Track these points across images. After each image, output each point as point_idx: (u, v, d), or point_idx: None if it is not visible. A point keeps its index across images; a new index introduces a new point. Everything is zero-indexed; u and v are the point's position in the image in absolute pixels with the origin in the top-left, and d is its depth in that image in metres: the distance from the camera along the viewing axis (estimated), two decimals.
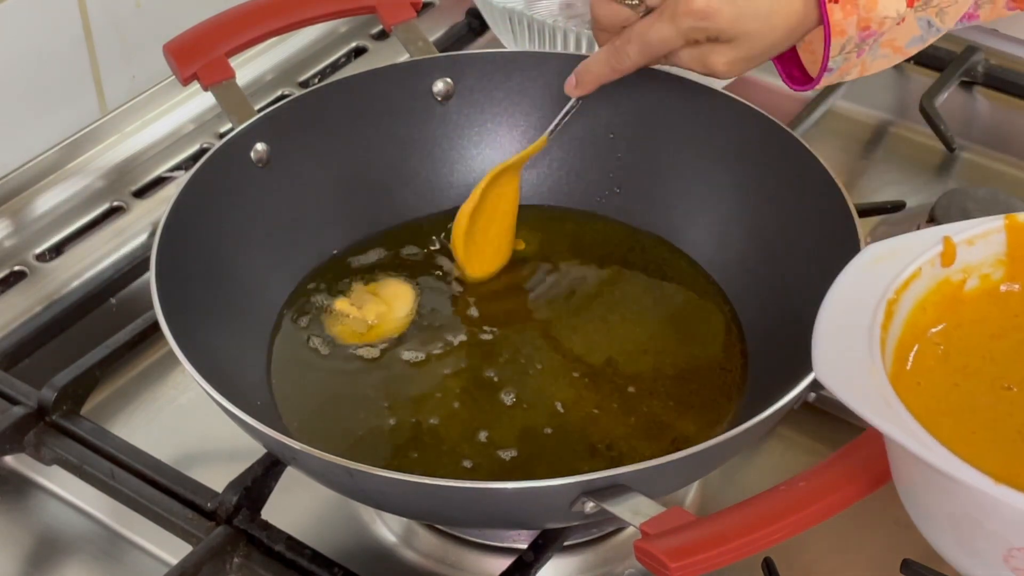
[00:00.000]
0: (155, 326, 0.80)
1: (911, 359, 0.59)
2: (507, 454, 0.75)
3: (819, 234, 0.78)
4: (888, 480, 0.59)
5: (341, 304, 0.84)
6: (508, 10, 0.99)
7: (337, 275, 0.86)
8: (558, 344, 0.82)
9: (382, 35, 1.16)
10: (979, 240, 0.61)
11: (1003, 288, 0.62)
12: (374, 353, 0.81)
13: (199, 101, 1.06)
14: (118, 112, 1.04)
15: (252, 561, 0.73)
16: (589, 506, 0.63)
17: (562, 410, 0.77)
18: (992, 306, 0.61)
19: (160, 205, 0.99)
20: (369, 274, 0.86)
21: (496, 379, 0.79)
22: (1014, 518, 0.49)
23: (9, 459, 0.82)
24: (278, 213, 0.85)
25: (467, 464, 0.74)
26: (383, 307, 0.84)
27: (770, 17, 0.74)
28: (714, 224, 0.87)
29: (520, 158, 0.85)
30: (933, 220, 0.88)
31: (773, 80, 1.14)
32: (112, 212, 0.99)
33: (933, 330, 0.60)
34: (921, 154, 1.06)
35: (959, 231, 0.61)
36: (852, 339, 0.55)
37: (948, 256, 0.61)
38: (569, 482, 0.62)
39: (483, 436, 0.76)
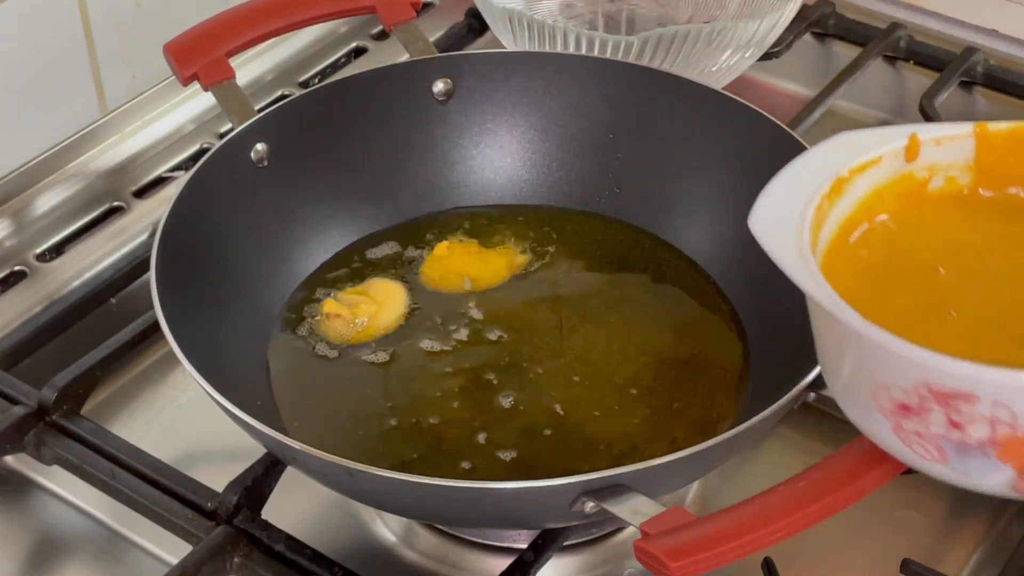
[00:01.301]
0: (155, 326, 0.80)
1: (858, 233, 0.60)
2: (507, 455, 0.75)
3: None
4: (889, 479, 0.58)
5: (330, 305, 0.84)
6: (508, 10, 0.99)
7: (337, 275, 0.86)
8: (557, 344, 0.82)
9: (382, 35, 1.16)
10: (947, 142, 0.62)
11: (966, 192, 0.62)
12: (375, 354, 0.81)
13: (199, 101, 1.06)
14: (118, 112, 1.04)
15: (252, 561, 0.73)
16: (589, 506, 0.63)
17: (561, 412, 0.77)
18: (953, 207, 0.62)
19: (160, 205, 0.99)
20: (368, 273, 0.87)
21: (496, 380, 0.79)
22: (879, 356, 0.51)
23: (9, 459, 0.82)
24: (278, 213, 0.85)
25: (466, 465, 0.74)
26: (374, 307, 0.84)
27: None
28: (714, 224, 0.87)
29: None
30: None
31: (773, 80, 1.14)
32: (112, 212, 0.99)
33: (886, 216, 0.61)
34: None
35: (928, 130, 0.62)
36: (794, 201, 0.58)
37: (912, 151, 0.61)
38: (569, 482, 0.62)
39: (482, 438, 0.76)
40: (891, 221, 0.61)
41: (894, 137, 0.62)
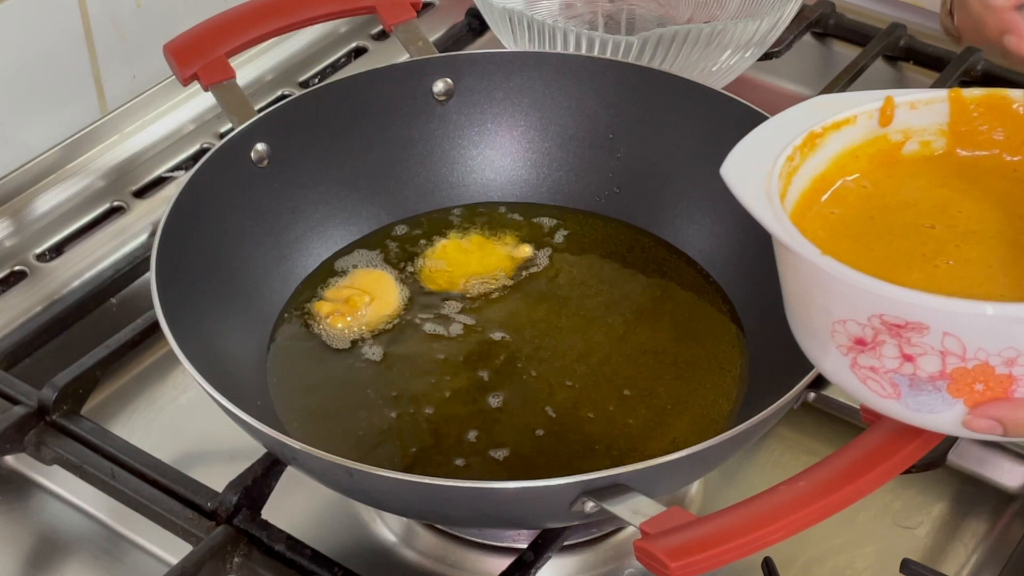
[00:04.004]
0: (155, 326, 0.80)
1: (833, 190, 0.61)
2: (499, 453, 0.75)
3: None
4: (889, 479, 0.59)
5: (322, 307, 0.84)
6: (508, 10, 0.99)
7: (336, 275, 0.86)
8: (557, 344, 0.82)
9: (382, 35, 1.16)
10: (922, 106, 0.63)
11: (940, 154, 0.63)
12: (373, 353, 0.81)
13: (199, 101, 1.06)
14: (118, 112, 1.04)
15: (252, 561, 0.73)
16: (589, 506, 0.63)
17: (560, 412, 0.77)
18: (927, 166, 0.63)
19: (160, 205, 0.99)
20: (366, 273, 0.87)
21: (495, 379, 0.79)
22: (835, 289, 0.52)
23: (9, 459, 0.82)
24: (278, 213, 0.85)
25: (459, 462, 0.74)
26: (366, 296, 0.84)
27: None
28: (714, 224, 0.87)
29: None
30: None
31: (773, 80, 1.14)
32: (112, 212, 0.99)
33: (859, 175, 0.62)
34: None
35: (903, 94, 0.63)
36: (767, 153, 0.59)
37: (886, 114, 0.62)
38: (569, 482, 0.62)
39: (475, 436, 0.76)
40: (865, 180, 0.62)
41: (870, 99, 0.63)
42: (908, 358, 0.52)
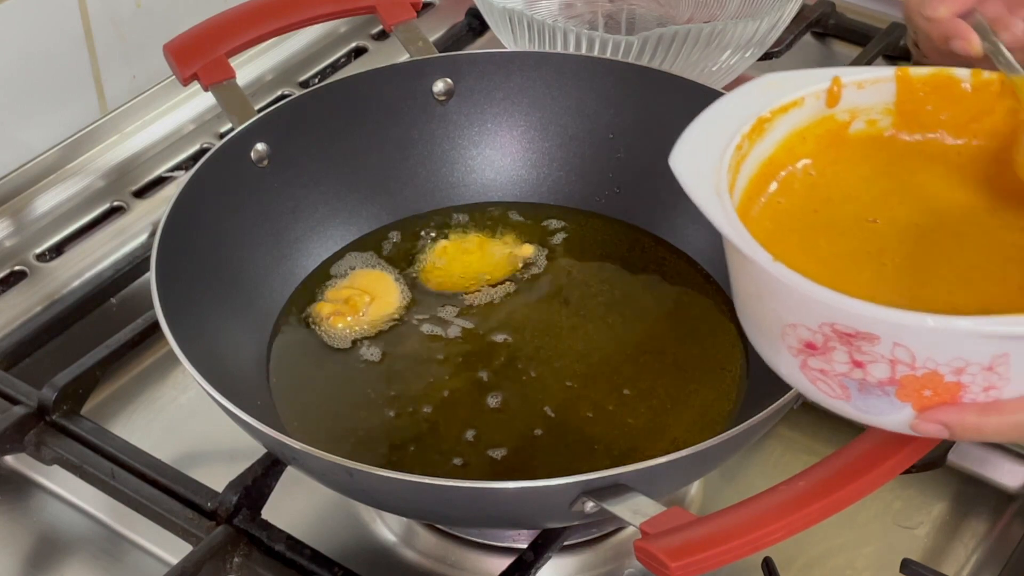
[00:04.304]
0: (155, 326, 0.80)
1: (779, 178, 0.61)
2: (496, 453, 0.75)
3: None
4: (889, 479, 0.59)
5: (323, 307, 0.84)
6: (508, 10, 0.99)
7: (336, 275, 0.86)
8: (557, 344, 0.82)
9: (382, 35, 1.16)
10: (869, 85, 0.62)
11: (887, 135, 0.63)
12: (373, 353, 0.81)
13: (199, 101, 1.06)
14: (118, 112, 1.04)
15: (252, 561, 0.73)
16: (589, 506, 0.63)
17: (559, 412, 0.77)
18: (873, 150, 0.63)
19: (160, 205, 0.99)
20: (366, 273, 0.87)
21: (494, 379, 0.79)
22: (786, 295, 0.52)
23: (9, 459, 0.82)
24: (278, 213, 0.85)
25: (457, 461, 0.74)
26: (366, 296, 0.84)
27: None
28: None
29: None
30: None
31: None
32: (112, 212, 0.99)
33: (808, 161, 0.62)
34: None
35: (850, 73, 0.62)
36: (715, 141, 0.59)
37: (833, 95, 0.62)
38: (569, 482, 0.62)
39: (473, 435, 0.76)
40: (812, 167, 0.62)
41: (817, 79, 0.62)
42: (858, 364, 0.52)
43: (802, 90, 0.62)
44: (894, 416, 0.54)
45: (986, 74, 0.62)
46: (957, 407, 0.53)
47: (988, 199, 0.60)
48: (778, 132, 0.61)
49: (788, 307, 0.53)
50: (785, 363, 0.56)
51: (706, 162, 0.57)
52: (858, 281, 0.52)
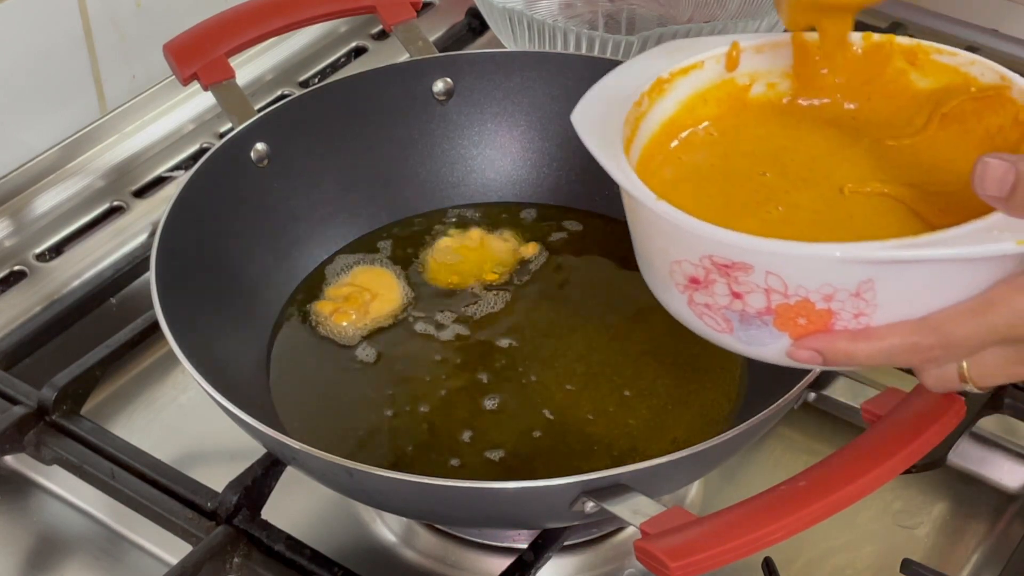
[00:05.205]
0: (155, 326, 0.80)
1: (681, 137, 0.63)
2: (495, 454, 0.75)
3: None
4: (889, 479, 0.59)
5: (323, 306, 0.84)
6: (508, 10, 0.99)
7: (337, 274, 0.86)
8: (556, 344, 0.82)
9: (382, 35, 1.16)
10: (767, 50, 0.64)
11: (785, 100, 0.65)
12: (373, 353, 0.81)
13: (199, 101, 1.06)
14: (118, 112, 1.04)
15: (252, 561, 0.73)
16: (589, 506, 0.63)
17: (559, 412, 0.77)
18: (773, 114, 0.64)
19: (160, 205, 0.99)
20: (366, 271, 0.87)
21: (494, 379, 0.79)
22: (669, 232, 0.55)
23: (9, 459, 0.82)
24: (278, 213, 0.85)
25: (454, 463, 0.74)
26: (367, 294, 0.84)
27: None
28: None
29: None
30: None
31: None
32: (112, 212, 0.99)
33: (709, 122, 0.64)
34: None
35: (749, 39, 0.64)
36: (616, 100, 0.61)
37: (732, 59, 0.64)
38: (569, 482, 0.62)
39: (468, 436, 0.76)
40: (713, 128, 0.64)
41: (717, 44, 0.64)
42: (737, 295, 0.54)
43: (702, 54, 0.64)
44: (774, 346, 0.56)
45: (876, 36, 0.63)
46: (829, 334, 0.54)
47: (875, 159, 0.61)
48: (679, 93, 0.63)
49: (672, 243, 0.55)
50: (675, 300, 0.57)
51: (605, 116, 0.60)
52: (743, 226, 0.54)
